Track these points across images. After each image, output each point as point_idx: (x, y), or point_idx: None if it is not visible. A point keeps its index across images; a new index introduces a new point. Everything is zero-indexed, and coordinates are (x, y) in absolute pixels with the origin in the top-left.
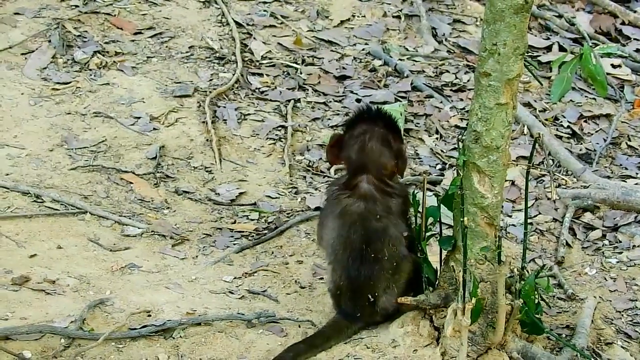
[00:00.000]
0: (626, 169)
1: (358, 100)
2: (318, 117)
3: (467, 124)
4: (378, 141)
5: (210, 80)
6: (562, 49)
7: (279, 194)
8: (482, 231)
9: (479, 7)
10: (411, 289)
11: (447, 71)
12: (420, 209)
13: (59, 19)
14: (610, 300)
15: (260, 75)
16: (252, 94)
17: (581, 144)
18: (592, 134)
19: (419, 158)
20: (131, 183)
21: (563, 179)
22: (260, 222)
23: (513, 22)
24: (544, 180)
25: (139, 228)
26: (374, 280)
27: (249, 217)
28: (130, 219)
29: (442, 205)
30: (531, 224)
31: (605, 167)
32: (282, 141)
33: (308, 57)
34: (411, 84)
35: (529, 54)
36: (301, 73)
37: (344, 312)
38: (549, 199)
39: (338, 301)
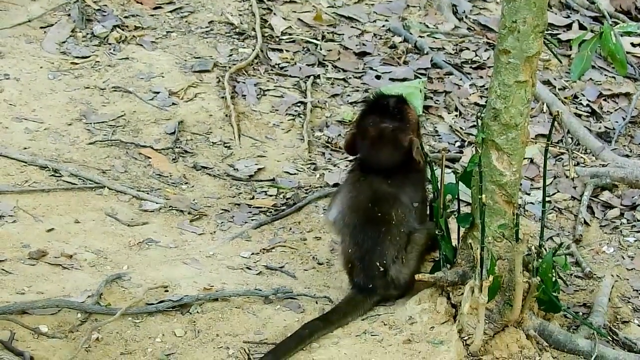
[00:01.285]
0: None
1: (378, 77)
2: (337, 93)
3: (486, 102)
4: (386, 142)
5: (230, 55)
6: (582, 27)
7: (297, 170)
8: (500, 209)
9: None
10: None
11: (467, 48)
12: (438, 186)
13: None
14: (628, 279)
15: (280, 51)
16: (272, 70)
17: (600, 122)
18: (611, 113)
19: (438, 135)
20: (149, 158)
21: (582, 157)
22: (279, 198)
23: None
24: (562, 159)
25: (157, 203)
26: (380, 246)
27: (267, 193)
28: (148, 194)
29: (460, 183)
30: (549, 202)
31: (624, 145)
32: (301, 117)
33: (328, 33)
34: (431, 61)
35: (549, 32)
36: (321, 49)
37: (359, 286)
38: (567, 177)
39: (351, 275)
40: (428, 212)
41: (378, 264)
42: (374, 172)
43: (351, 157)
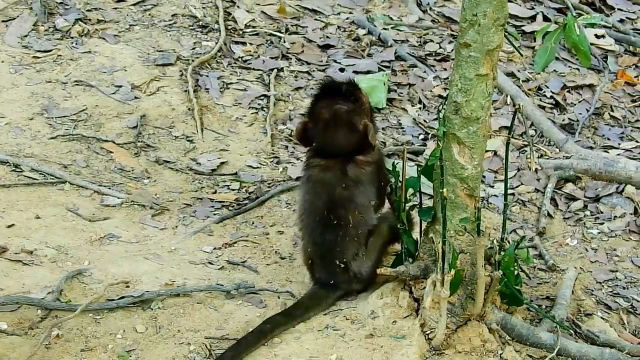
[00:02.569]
0: (608, 139)
1: (342, 70)
2: (301, 86)
3: (447, 95)
4: (341, 124)
5: (193, 48)
6: (546, 18)
7: (260, 163)
8: (462, 202)
9: None
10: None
11: (431, 41)
12: (400, 180)
13: None
14: (591, 271)
15: (244, 44)
16: (235, 63)
17: (564, 114)
18: (575, 104)
19: (402, 128)
20: (111, 152)
21: (544, 150)
22: (241, 192)
23: None
24: (526, 151)
25: (118, 198)
26: (339, 247)
27: (230, 187)
28: (110, 188)
29: (422, 176)
30: (513, 194)
31: (588, 137)
32: (264, 110)
33: (292, 25)
34: (395, 53)
35: (513, 23)
36: (284, 42)
37: (321, 282)
38: (530, 169)
39: (312, 271)
40: (391, 199)
41: (338, 262)
42: (329, 167)
43: (305, 149)
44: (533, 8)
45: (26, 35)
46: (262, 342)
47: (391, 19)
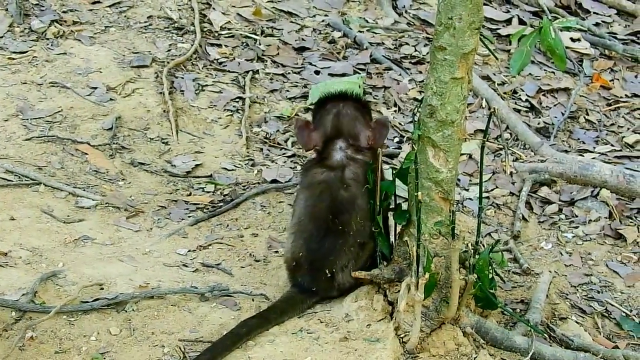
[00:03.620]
0: (584, 143)
1: (317, 72)
2: (276, 88)
3: (422, 98)
4: (352, 110)
5: (169, 50)
6: (521, 22)
7: (235, 166)
8: (437, 206)
9: None
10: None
11: (407, 43)
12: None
13: None
14: (566, 275)
15: (219, 46)
16: (210, 65)
17: (539, 117)
18: (550, 108)
19: None
20: (86, 154)
21: (519, 153)
22: (216, 194)
23: None
24: (501, 154)
25: (93, 200)
26: (334, 255)
27: (205, 189)
28: (84, 190)
29: (397, 179)
30: (488, 197)
31: (563, 141)
32: (239, 113)
33: (267, 28)
34: (370, 56)
35: (489, 27)
36: (260, 44)
37: (300, 286)
38: (505, 172)
39: (294, 274)
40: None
41: (327, 271)
42: (329, 157)
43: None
44: (508, 11)
45: (1, 37)
46: (237, 345)
47: (367, 21)
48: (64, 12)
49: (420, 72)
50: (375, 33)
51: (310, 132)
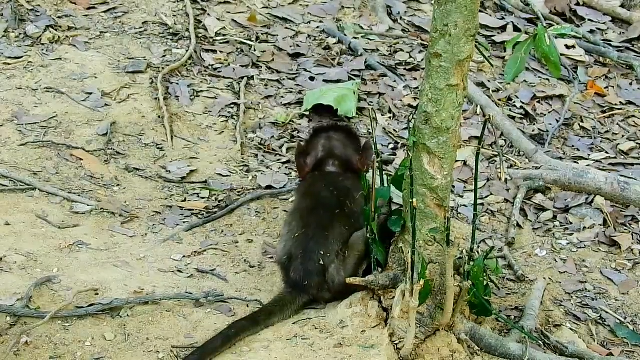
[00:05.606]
0: (578, 150)
1: (312, 79)
2: (271, 94)
3: (417, 105)
4: (342, 136)
5: (164, 56)
6: (516, 29)
7: (230, 172)
8: (432, 212)
9: None
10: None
11: (402, 50)
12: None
13: None
14: (560, 282)
15: (214, 51)
16: (205, 71)
17: (534, 124)
18: (545, 115)
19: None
20: (81, 159)
21: (513, 160)
22: (211, 200)
23: (464, 3)
24: (496, 161)
25: (88, 205)
26: (322, 248)
27: (200, 195)
28: (79, 195)
29: (392, 186)
30: (482, 204)
31: (558, 148)
32: (234, 119)
33: (262, 34)
34: (365, 62)
35: (484, 33)
36: (255, 50)
37: (292, 283)
38: (500, 179)
39: (287, 270)
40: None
41: (317, 262)
42: (323, 169)
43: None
44: (503, 18)
45: None
46: (226, 346)
47: (362, 28)
48: (59, 17)
49: (415, 79)
50: (370, 39)
51: (306, 157)
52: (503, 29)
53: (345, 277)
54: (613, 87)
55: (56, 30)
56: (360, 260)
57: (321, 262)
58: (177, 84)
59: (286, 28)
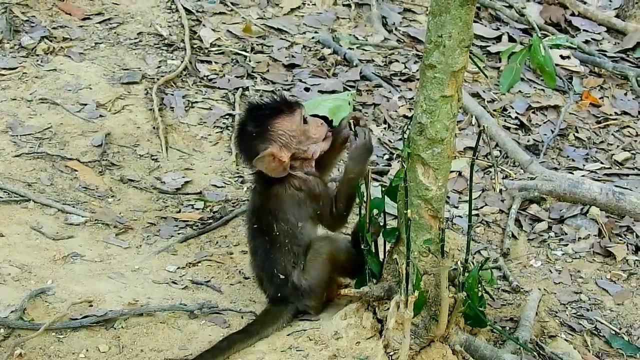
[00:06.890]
0: (573, 160)
1: (307, 89)
2: None
3: (412, 115)
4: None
5: (158, 67)
6: (511, 39)
7: (224, 182)
8: (426, 223)
9: None
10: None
11: (397, 60)
12: (365, 200)
13: (7, 3)
14: (555, 293)
15: (209, 62)
16: (200, 82)
17: (529, 135)
18: (540, 125)
19: None
20: (76, 171)
21: (508, 170)
22: (206, 211)
23: (459, 14)
24: (491, 172)
25: (82, 216)
26: (273, 254)
27: (194, 206)
28: (74, 207)
29: (386, 197)
30: (477, 215)
31: (553, 158)
32: (229, 130)
33: (257, 44)
34: (360, 73)
35: (479, 44)
36: (250, 61)
37: (272, 299)
38: (495, 190)
39: (263, 288)
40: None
41: (276, 271)
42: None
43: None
44: (498, 29)
45: None
46: (219, 359)
47: (357, 38)
48: (54, 28)
49: (410, 90)
50: (365, 50)
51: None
52: (498, 39)
53: (310, 279)
54: (608, 97)
55: (51, 41)
56: (329, 264)
57: (282, 277)
58: (172, 94)
59: (281, 39)
